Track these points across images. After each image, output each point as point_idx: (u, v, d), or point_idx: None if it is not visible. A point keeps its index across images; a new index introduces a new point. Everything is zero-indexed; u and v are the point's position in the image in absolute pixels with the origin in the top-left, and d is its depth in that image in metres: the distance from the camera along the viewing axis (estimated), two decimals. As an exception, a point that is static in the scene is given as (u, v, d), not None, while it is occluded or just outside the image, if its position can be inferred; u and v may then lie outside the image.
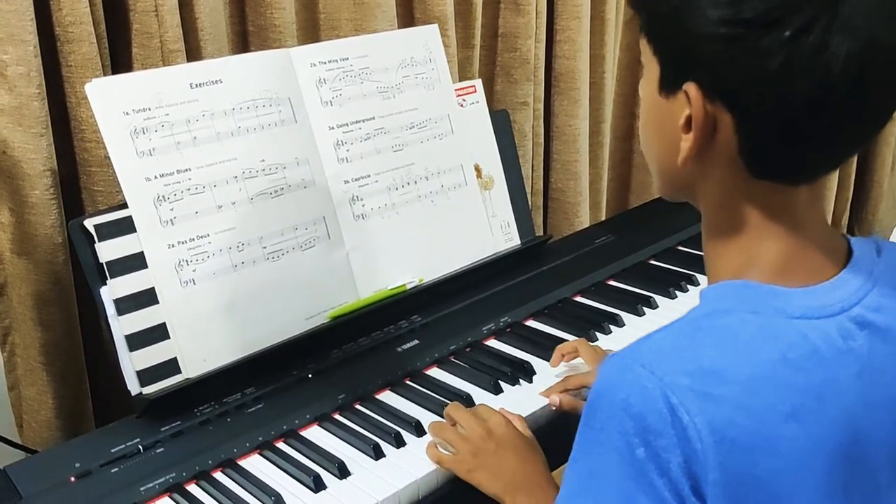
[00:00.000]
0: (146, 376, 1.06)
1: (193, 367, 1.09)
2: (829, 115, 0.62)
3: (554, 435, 1.07)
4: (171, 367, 1.08)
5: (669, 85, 0.68)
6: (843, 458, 0.66)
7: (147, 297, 1.07)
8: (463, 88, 1.41)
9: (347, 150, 1.25)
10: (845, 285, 0.69)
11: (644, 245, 1.54)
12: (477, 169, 1.40)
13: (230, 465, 1.01)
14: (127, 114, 1.07)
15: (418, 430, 1.05)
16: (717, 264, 0.73)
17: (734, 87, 0.64)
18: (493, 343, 1.26)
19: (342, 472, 0.98)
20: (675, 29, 0.66)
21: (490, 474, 0.95)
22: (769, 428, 0.63)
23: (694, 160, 0.68)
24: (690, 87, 0.65)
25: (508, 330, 1.29)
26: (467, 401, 1.10)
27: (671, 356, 0.65)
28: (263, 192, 1.17)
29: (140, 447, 1.01)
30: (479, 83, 1.43)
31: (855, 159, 2.37)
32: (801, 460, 0.64)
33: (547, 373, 1.17)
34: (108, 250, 1.05)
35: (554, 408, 1.09)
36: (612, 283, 1.44)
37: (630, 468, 0.63)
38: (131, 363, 1.06)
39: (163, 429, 1.04)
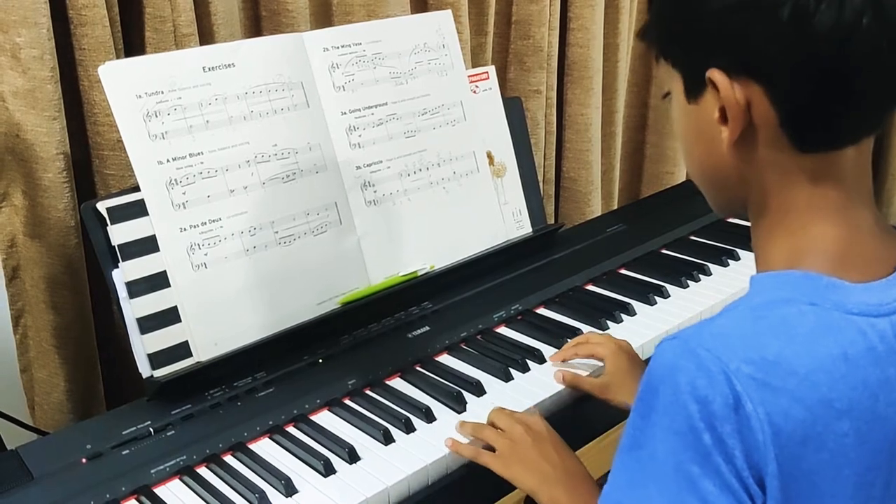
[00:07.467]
0: (157, 359, 1.07)
1: (205, 351, 1.09)
2: (854, 64, 0.62)
3: (563, 422, 1.07)
4: (182, 350, 1.09)
5: (695, 86, 0.68)
6: (888, 455, 0.66)
7: (159, 281, 1.07)
8: (476, 75, 1.40)
9: (360, 136, 1.25)
10: None
11: (656, 234, 1.54)
12: (489, 156, 1.40)
13: (241, 449, 1.01)
14: (140, 97, 1.07)
15: (428, 416, 1.05)
16: (768, 251, 0.72)
17: (755, 51, 0.64)
18: (503, 330, 1.26)
19: (352, 456, 0.99)
20: (686, 18, 0.67)
21: (527, 468, 0.94)
22: (822, 423, 0.62)
23: (738, 149, 0.68)
24: (714, 74, 0.65)
25: (519, 317, 1.29)
26: (477, 388, 1.10)
27: (734, 343, 0.64)
28: (275, 177, 1.17)
29: (151, 430, 1.01)
30: (492, 69, 1.43)
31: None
32: (846, 455, 0.63)
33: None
34: (120, 233, 1.05)
35: (558, 382, 1.10)
36: (623, 272, 1.44)
37: (694, 453, 0.62)
38: (143, 346, 1.06)
39: (173, 412, 1.04)
